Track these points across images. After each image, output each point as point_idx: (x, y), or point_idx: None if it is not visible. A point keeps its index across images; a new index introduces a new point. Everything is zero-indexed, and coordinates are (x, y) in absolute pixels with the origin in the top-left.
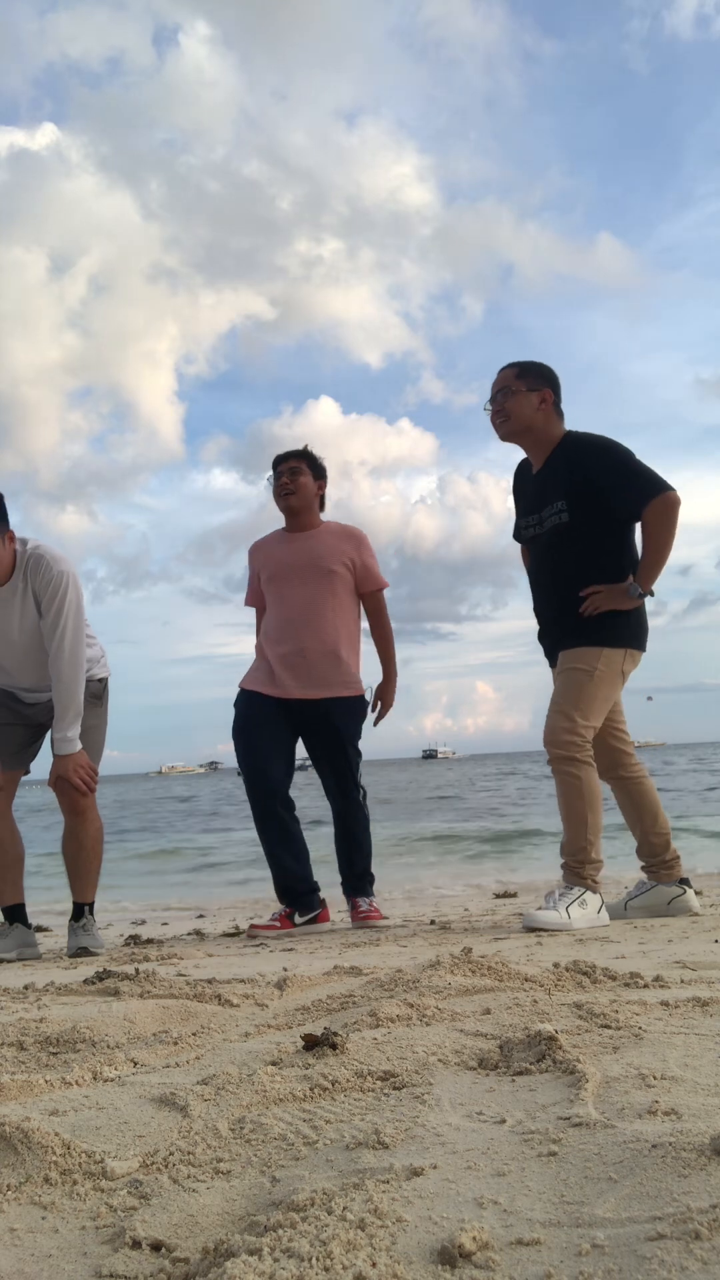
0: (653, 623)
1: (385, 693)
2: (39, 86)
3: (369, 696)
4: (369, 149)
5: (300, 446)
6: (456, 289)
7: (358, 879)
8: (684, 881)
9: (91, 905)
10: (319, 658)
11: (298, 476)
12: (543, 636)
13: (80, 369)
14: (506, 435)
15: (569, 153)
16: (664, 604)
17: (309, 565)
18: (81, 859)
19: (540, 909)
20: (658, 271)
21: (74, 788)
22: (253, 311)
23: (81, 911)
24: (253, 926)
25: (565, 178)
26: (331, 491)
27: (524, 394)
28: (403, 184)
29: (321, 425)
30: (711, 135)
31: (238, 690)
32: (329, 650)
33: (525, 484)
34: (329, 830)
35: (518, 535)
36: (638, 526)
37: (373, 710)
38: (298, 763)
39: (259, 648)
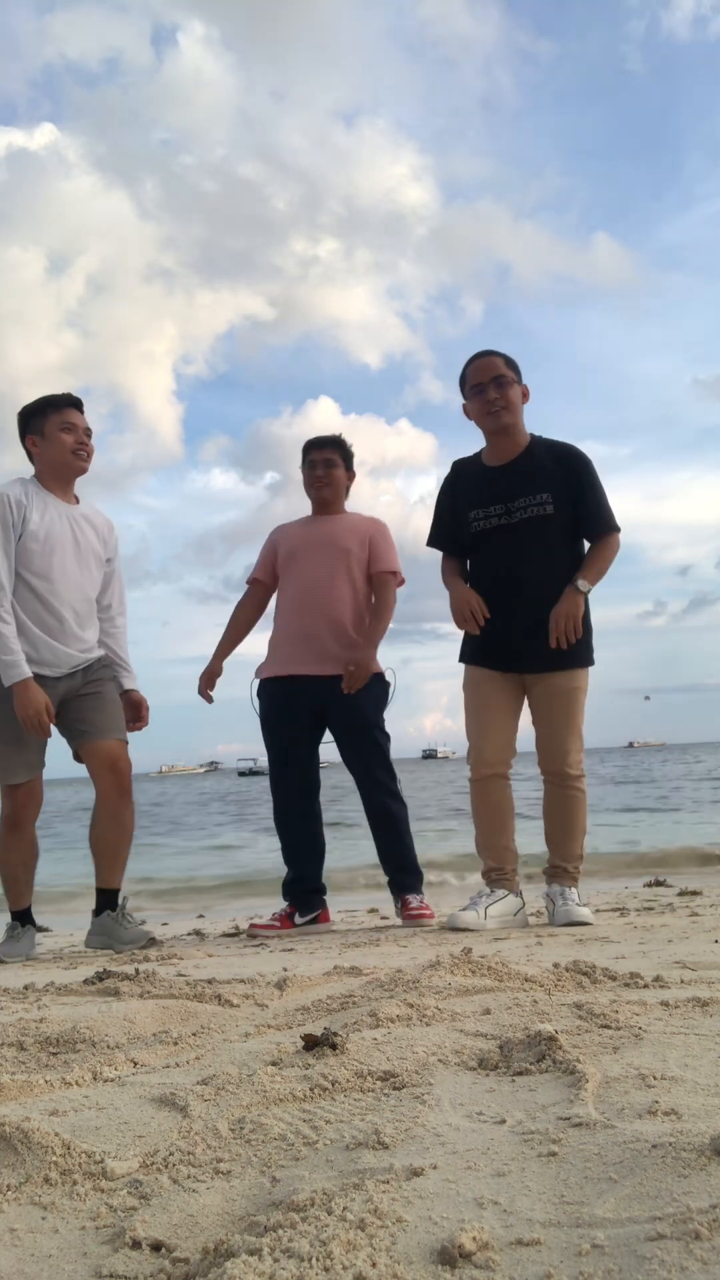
0: (652, 623)
1: (358, 660)
2: (36, 87)
3: (391, 680)
4: (366, 149)
5: (334, 434)
6: (455, 289)
7: (405, 875)
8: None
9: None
10: (330, 635)
11: (332, 469)
12: (507, 637)
13: (79, 369)
14: (503, 426)
15: (565, 153)
16: (663, 604)
17: (326, 543)
18: (124, 842)
19: (563, 906)
20: (657, 271)
21: (143, 721)
22: (251, 311)
23: (117, 899)
24: (253, 926)
25: (561, 177)
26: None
27: (516, 385)
28: (399, 184)
29: (321, 425)
30: (711, 135)
31: (256, 683)
32: (340, 627)
33: (473, 480)
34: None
35: (455, 534)
36: None
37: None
38: (323, 763)
39: (274, 631)
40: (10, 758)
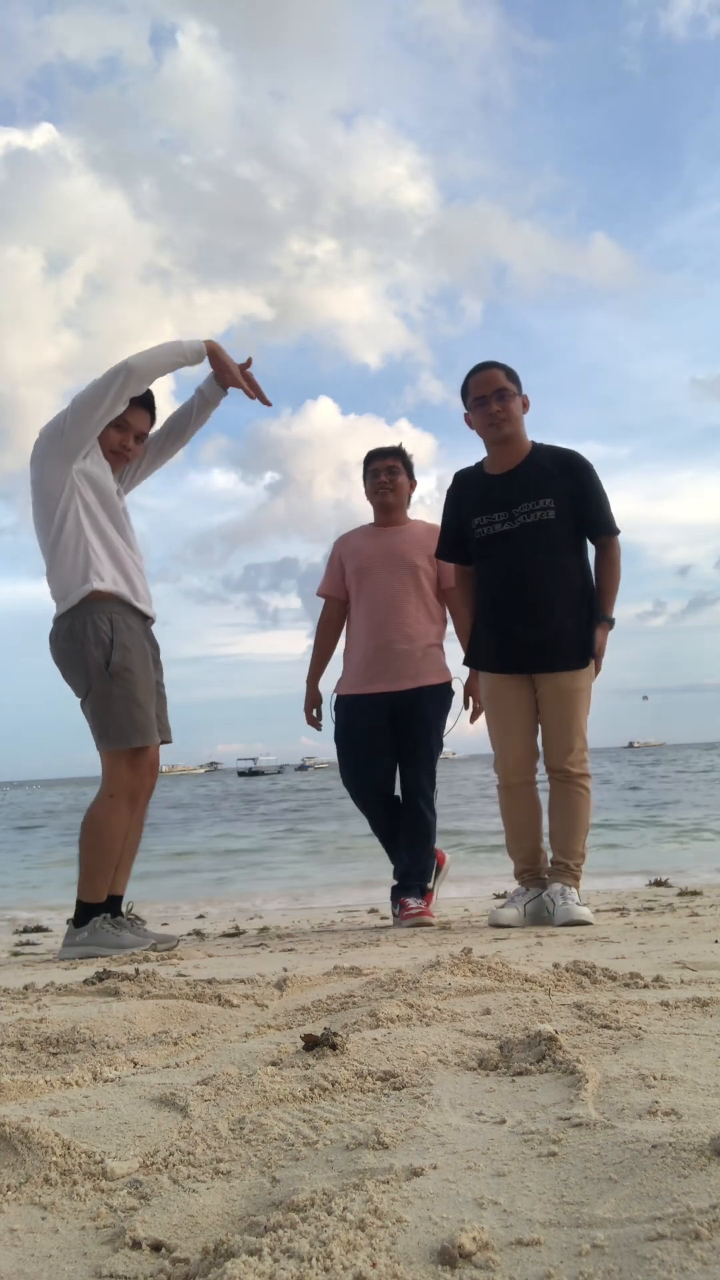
0: (652, 623)
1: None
2: (35, 87)
3: (456, 688)
4: (364, 149)
5: (395, 444)
6: (454, 289)
7: (414, 880)
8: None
9: None
10: (406, 649)
11: (395, 476)
12: (511, 638)
13: (78, 369)
14: (505, 437)
15: (563, 153)
16: (663, 604)
17: (394, 559)
18: (138, 845)
19: (563, 906)
20: (656, 272)
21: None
22: (249, 312)
23: (121, 905)
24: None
25: (559, 177)
26: (330, 492)
27: (516, 397)
28: (397, 184)
29: (321, 426)
30: (711, 135)
31: (334, 697)
32: (415, 641)
33: (476, 489)
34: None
35: (461, 544)
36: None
37: (466, 707)
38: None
39: (348, 647)
40: (140, 717)
